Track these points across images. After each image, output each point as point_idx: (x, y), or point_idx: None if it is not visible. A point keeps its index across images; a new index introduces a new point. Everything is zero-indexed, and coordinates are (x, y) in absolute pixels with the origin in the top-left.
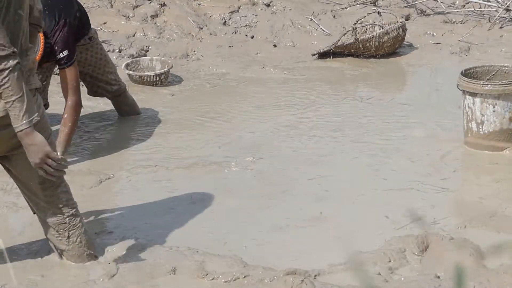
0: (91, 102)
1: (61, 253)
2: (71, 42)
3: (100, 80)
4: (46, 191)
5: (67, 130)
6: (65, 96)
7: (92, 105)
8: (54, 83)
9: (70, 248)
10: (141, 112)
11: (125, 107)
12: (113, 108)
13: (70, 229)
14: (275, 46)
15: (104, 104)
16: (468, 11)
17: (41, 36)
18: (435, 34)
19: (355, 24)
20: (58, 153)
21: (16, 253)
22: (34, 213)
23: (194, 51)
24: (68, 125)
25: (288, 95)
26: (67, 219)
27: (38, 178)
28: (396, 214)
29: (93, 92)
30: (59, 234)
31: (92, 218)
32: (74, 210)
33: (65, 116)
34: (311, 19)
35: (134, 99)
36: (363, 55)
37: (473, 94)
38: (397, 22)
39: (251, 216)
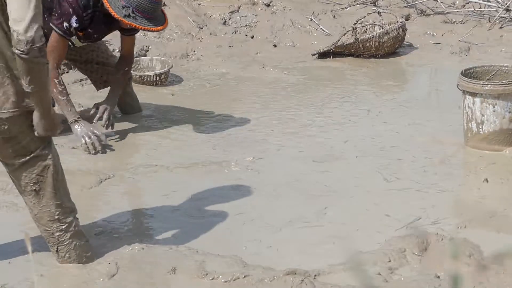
0: (91, 101)
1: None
2: None
3: (107, 64)
4: (41, 199)
5: (123, 82)
6: (126, 58)
7: (91, 104)
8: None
9: (60, 260)
10: (142, 110)
11: (129, 100)
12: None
13: (58, 244)
14: (275, 46)
15: None
16: (468, 11)
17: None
18: (435, 34)
19: (355, 24)
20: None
21: (15, 253)
22: None
23: (194, 51)
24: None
25: (288, 95)
26: (56, 234)
27: (31, 186)
28: (396, 214)
29: (103, 82)
30: (50, 245)
31: (92, 218)
32: (65, 225)
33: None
34: (311, 19)
35: (136, 95)
36: (363, 55)
37: (473, 94)
38: (397, 22)
39: (251, 216)
